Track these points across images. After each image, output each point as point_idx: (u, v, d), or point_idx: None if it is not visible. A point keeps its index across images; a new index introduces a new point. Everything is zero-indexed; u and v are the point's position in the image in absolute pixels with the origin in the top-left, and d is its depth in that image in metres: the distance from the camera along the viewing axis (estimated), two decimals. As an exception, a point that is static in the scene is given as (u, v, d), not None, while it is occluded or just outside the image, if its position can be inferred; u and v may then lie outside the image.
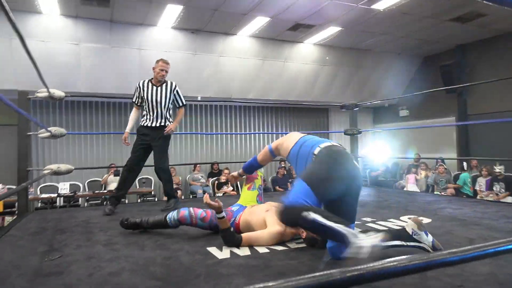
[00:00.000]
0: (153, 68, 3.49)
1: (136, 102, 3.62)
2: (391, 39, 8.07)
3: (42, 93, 3.20)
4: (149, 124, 3.53)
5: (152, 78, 3.55)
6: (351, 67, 9.09)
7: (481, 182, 6.79)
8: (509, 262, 1.75)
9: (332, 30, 7.40)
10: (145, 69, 7.24)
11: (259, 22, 6.86)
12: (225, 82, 8.09)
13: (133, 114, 3.62)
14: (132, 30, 6.83)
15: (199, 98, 8.11)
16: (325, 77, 8.98)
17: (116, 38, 6.79)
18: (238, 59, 7.86)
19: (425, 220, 2.75)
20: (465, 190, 7.05)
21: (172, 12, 6.34)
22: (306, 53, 8.38)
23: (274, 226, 2.11)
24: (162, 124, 3.53)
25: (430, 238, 1.88)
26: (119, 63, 7.03)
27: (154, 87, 3.50)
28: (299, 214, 1.57)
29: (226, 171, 8.09)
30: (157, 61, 3.48)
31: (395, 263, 0.79)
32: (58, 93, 3.30)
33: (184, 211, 2.38)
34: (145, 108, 3.57)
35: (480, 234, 2.34)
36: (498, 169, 6.33)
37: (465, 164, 7.98)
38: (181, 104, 3.67)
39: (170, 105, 3.57)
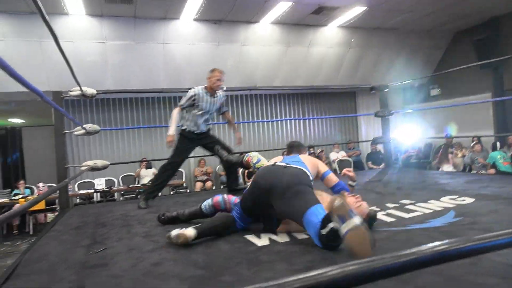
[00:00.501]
0: (208, 78, 3.52)
1: (184, 106, 3.55)
2: (419, 16, 7.74)
3: (75, 92, 3.28)
4: (198, 131, 3.59)
5: (205, 86, 3.56)
6: (378, 47, 8.83)
7: (522, 159, 6.47)
8: None
9: (356, 11, 7.17)
10: (169, 63, 7.32)
11: (282, 7, 6.74)
12: (249, 71, 8.05)
13: (177, 116, 3.54)
14: (155, 25, 6.88)
15: (224, 89, 8.09)
16: (351, 60, 8.76)
17: (140, 34, 6.86)
18: (261, 47, 7.79)
19: (468, 200, 2.65)
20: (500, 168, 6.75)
21: (193, 4, 6.33)
22: (331, 36, 8.19)
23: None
24: (209, 128, 3.75)
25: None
26: (144, 59, 7.12)
27: (210, 97, 3.57)
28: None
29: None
30: (212, 71, 3.53)
31: (446, 246, 0.74)
32: (90, 90, 3.38)
33: (218, 197, 2.43)
34: (194, 115, 3.54)
35: (529, 212, 2.23)
36: None
37: (498, 143, 7.64)
38: (226, 109, 3.88)
39: None
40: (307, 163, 2.22)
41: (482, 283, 1.28)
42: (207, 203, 2.45)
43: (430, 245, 0.75)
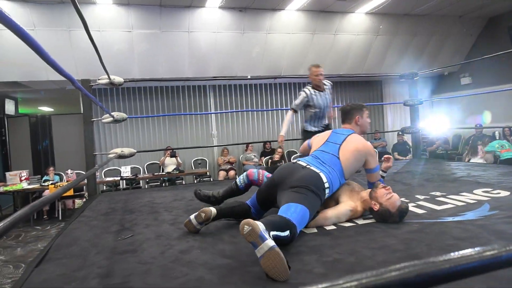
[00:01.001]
0: (310, 77, 3.74)
1: (297, 109, 3.79)
2: (450, 1, 7.42)
3: (103, 80, 3.32)
4: (319, 129, 3.74)
5: (312, 86, 3.76)
6: (406, 35, 8.55)
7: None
8: None
9: (385, -4, 6.95)
10: (195, 51, 7.33)
11: (307, -6, 6.61)
12: (274, 60, 7.97)
13: (290, 118, 3.80)
14: (180, 13, 6.89)
15: (249, 77, 8.07)
16: (378, 48, 8.53)
17: (166, 23, 6.89)
18: (286, 35, 7.68)
19: (503, 193, 2.54)
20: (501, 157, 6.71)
21: (218, -8, 6.29)
22: (358, 23, 7.98)
23: (347, 202, 2.07)
24: (327, 123, 3.88)
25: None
26: (170, 47, 7.16)
27: (319, 93, 3.72)
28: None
29: (279, 150, 8.06)
30: (310, 69, 3.74)
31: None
32: (117, 79, 3.41)
33: (252, 169, 2.53)
34: (312, 114, 3.77)
35: None
36: None
37: (497, 132, 7.47)
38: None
39: None
40: (345, 154, 2.17)
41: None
42: (241, 177, 2.53)
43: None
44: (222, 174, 7.90)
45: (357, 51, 8.42)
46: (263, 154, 8.55)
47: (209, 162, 8.67)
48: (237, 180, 2.53)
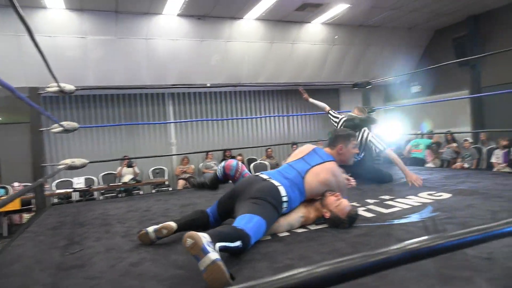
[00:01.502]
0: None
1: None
2: (401, 13, 7.84)
3: (53, 88, 3.19)
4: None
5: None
6: (361, 45, 8.91)
7: (498, 155, 6.65)
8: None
9: (340, 8, 7.21)
10: (153, 59, 7.22)
11: (266, 3, 6.72)
12: (233, 68, 8.01)
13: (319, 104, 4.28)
14: (138, 19, 6.77)
15: (208, 85, 8.06)
16: (335, 57, 8.82)
17: (122, 29, 6.74)
18: (246, 44, 7.76)
19: (445, 195, 2.70)
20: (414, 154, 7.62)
21: (176, -1, 6.26)
22: (315, 33, 8.22)
23: (300, 209, 2.11)
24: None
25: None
26: (127, 54, 7.01)
27: None
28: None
29: (239, 157, 8.08)
30: None
31: (422, 244, 0.74)
32: (68, 87, 3.29)
33: (232, 161, 2.41)
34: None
35: (503, 206, 2.28)
36: None
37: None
38: None
39: None
40: (311, 178, 2.15)
41: (456, 276, 1.30)
42: (220, 167, 2.46)
43: (401, 244, 0.75)
44: (181, 183, 7.79)
45: (315, 60, 8.66)
46: (223, 161, 8.52)
47: (168, 171, 8.53)
48: (217, 169, 2.48)
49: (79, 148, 8.01)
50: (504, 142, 6.59)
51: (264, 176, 2.13)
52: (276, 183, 2.04)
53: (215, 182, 2.52)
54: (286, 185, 2.06)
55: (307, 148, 2.40)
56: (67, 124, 3.35)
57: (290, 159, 2.35)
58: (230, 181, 2.45)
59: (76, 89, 3.43)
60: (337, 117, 3.99)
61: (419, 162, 7.27)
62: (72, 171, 6.88)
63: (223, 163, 2.45)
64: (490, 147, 7.22)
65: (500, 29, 7.94)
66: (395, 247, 0.73)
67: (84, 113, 8.11)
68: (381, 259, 0.63)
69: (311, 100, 4.32)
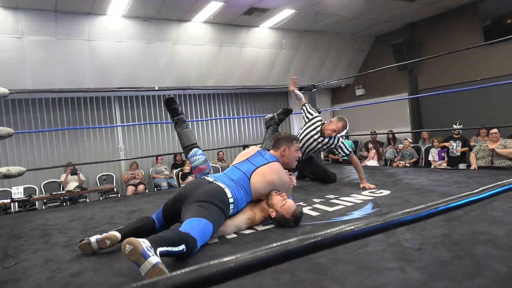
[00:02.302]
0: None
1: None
2: (344, 20, 8.20)
3: (-18, 92, 2.97)
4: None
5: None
6: (307, 49, 9.18)
7: (434, 153, 7.15)
8: (462, 223, 1.86)
9: (286, 13, 7.39)
10: (96, 61, 6.95)
11: (213, 7, 6.73)
12: (182, 71, 7.92)
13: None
14: (79, 20, 6.48)
15: (156, 88, 7.89)
16: (282, 61, 9.01)
17: (62, 29, 6.42)
18: (194, 46, 7.70)
19: (385, 192, 2.86)
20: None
21: (121, 0, 6.07)
22: (263, 37, 8.35)
23: (246, 211, 2.14)
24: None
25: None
26: (68, 56, 6.68)
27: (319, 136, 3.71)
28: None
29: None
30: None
31: (352, 227, 0.79)
32: (1, 90, 3.08)
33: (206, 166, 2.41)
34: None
35: (435, 200, 2.46)
36: (458, 126, 6.59)
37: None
38: None
39: None
40: (257, 178, 2.19)
41: (389, 267, 1.40)
42: (197, 157, 2.45)
43: (336, 228, 0.79)
44: (130, 189, 7.55)
45: (263, 64, 8.79)
46: (174, 166, 8.39)
47: (116, 177, 8.22)
48: (193, 150, 2.52)
49: (17, 156, 7.49)
50: (437, 142, 7.11)
51: (210, 178, 2.13)
52: (222, 185, 2.05)
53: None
54: (232, 187, 2.08)
55: (251, 150, 2.46)
56: (1, 129, 3.13)
57: (236, 161, 2.38)
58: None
59: (11, 93, 3.22)
60: (312, 114, 3.87)
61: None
62: (10, 180, 6.44)
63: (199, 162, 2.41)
64: (426, 146, 7.75)
65: (434, 36, 8.57)
66: (329, 230, 0.76)
67: (21, 118, 7.59)
68: (315, 241, 0.68)
69: (295, 90, 4.26)
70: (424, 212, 0.81)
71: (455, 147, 6.61)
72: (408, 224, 0.77)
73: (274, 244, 0.61)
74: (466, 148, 6.53)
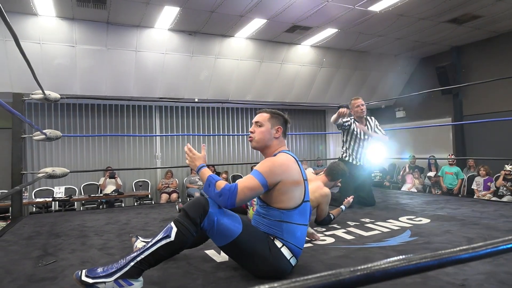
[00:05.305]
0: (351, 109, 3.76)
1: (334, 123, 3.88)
2: (388, 41, 8.06)
3: (37, 95, 3.16)
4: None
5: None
6: (348, 68, 9.09)
7: (479, 182, 6.79)
8: (509, 260, 1.73)
9: (329, 32, 7.38)
10: (141, 71, 7.22)
11: (256, 24, 6.84)
12: (222, 84, 8.06)
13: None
14: (128, 31, 6.79)
15: (196, 100, 8.07)
16: (322, 79, 8.97)
17: (112, 40, 6.75)
18: (235, 61, 7.84)
19: (424, 221, 2.73)
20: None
21: (169, 14, 6.31)
22: (303, 54, 8.36)
23: None
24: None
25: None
26: (115, 65, 6.99)
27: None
28: None
29: (224, 174, 8.05)
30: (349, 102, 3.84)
31: (405, 262, 0.76)
32: (53, 94, 3.26)
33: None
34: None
35: (479, 234, 2.32)
36: (510, 168, 6.25)
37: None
38: None
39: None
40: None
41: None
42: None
43: (386, 261, 0.76)
44: (164, 197, 7.69)
45: (302, 81, 8.78)
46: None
47: (151, 184, 8.42)
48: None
49: (61, 157, 7.87)
50: (484, 170, 6.75)
51: None
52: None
53: None
54: None
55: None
56: (50, 132, 3.31)
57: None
58: None
59: (61, 98, 3.40)
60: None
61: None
62: (53, 180, 6.76)
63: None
64: (470, 174, 7.37)
65: (481, 61, 8.23)
66: (379, 263, 0.72)
67: (69, 122, 7.99)
68: (366, 273, 0.65)
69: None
70: (483, 251, 0.76)
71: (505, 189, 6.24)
72: (464, 262, 0.72)
73: (325, 273, 0.59)
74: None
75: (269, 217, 1.67)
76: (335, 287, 0.60)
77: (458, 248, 0.75)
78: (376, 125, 3.78)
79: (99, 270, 1.45)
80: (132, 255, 1.47)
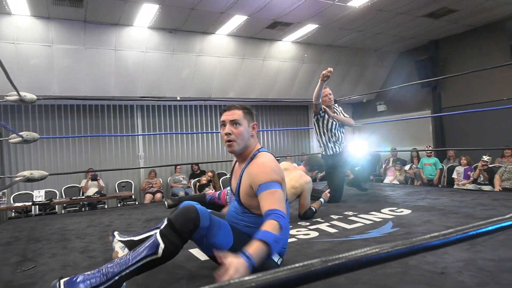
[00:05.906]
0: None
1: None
2: (368, 35, 8.15)
3: (12, 97, 3.07)
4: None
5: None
6: (329, 64, 9.14)
7: (459, 171, 6.94)
8: (486, 247, 1.78)
9: (309, 28, 7.41)
10: (121, 70, 7.11)
11: (237, 20, 6.81)
12: (204, 82, 8.01)
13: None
14: (107, 30, 6.66)
15: (178, 98, 8.00)
16: (304, 75, 9.01)
17: (90, 39, 6.61)
18: (217, 58, 7.79)
19: (406, 212, 2.78)
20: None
21: (148, 11, 6.22)
22: (285, 51, 8.38)
23: None
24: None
25: None
26: (94, 65, 6.86)
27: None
28: None
29: (210, 173, 8.01)
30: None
31: (377, 250, 0.77)
32: (29, 96, 3.17)
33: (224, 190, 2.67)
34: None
35: (458, 223, 2.38)
36: (487, 158, 6.38)
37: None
38: None
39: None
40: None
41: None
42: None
43: (360, 250, 0.76)
44: (148, 197, 7.61)
45: (285, 77, 8.80)
46: (192, 176, 8.43)
47: (134, 184, 8.32)
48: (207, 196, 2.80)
49: (41, 160, 7.69)
50: (465, 160, 6.90)
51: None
52: None
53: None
54: None
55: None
56: (27, 134, 3.23)
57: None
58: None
59: (38, 99, 3.31)
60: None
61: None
62: (33, 183, 6.61)
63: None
64: (450, 165, 7.53)
65: (458, 54, 8.41)
66: (353, 252, 0.72)
67: (47, 124, 7.81)
68: (338, 263, 0.65)
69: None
70: (453, 237, 0.77)
71: (483, 179, 6.37)
72: (436, 249, 0.74)
73: (297, 265, 0.59)
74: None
75: (253, 225, 1.57)
76: (307, 278, 0.60)
77: (429, 235, 0.76)
78: (341, 110, 4.03)
79: (79, 279, 1.39)
80: (115, 270, 1.39)
